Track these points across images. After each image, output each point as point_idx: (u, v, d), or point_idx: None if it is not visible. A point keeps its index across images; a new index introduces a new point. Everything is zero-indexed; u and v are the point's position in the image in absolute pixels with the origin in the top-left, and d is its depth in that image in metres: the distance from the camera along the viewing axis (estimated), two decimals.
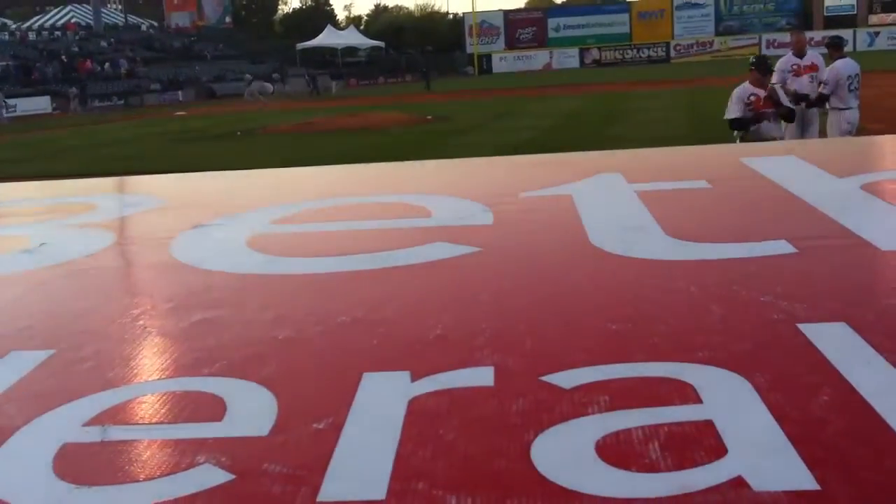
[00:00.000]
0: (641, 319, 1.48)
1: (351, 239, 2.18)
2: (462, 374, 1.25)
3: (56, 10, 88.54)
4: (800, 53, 10.87)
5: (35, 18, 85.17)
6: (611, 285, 1.71)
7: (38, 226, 2.49)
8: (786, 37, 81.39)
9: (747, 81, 9.14)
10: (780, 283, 1.60)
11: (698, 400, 1.13)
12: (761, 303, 1.50)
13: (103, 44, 68.16)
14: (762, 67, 9.42)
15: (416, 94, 44.82)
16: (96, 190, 3.30)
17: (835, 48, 10.90)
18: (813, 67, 10.64)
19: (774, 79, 10.37)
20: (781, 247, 1.79)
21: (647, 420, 1.08)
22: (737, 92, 9.09)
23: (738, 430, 1.04)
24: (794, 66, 10.78)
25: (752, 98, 8.97)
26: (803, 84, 10.47)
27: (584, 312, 1.56)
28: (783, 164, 2.69)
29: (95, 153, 22.95)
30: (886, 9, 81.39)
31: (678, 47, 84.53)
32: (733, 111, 9.04)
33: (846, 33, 78.26)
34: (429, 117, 28.09)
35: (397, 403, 1.16)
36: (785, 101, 9.11)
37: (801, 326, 1.35)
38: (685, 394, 1.14)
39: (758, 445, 1.02)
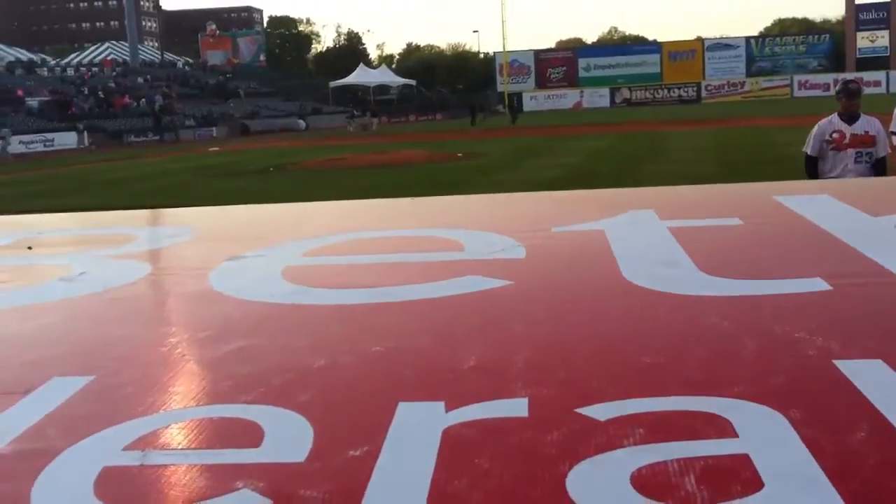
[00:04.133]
0: (675, 353, 1.48)
1: (383, 271, 2.20)
2: (496, 404, 1.26)
3: (94, 47, 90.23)
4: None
5: (73, 55, 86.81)
6: (644, 319, 1.71)
7: (77, 255, 2.53)
8: (818, 78, 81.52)
9: (834, 113, 7.74)
10: (814, 320, 1.60)
11: (734, 434, 1.12)
12: (796, 339, 1.49)
13: (140, 80, 69.19)
14: (847, 91, 7.74)
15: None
16: (133, 222, 3.35)
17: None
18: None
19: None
20: (816, 284, 1.78)
21: (682, 453, 1.07)
22: (818, 126, 7.77)
23: (775, 465, 1.04)
24: None
25: (835, 135, 7.57)
26: None
27: (618, 346, 1.56)
28: (817, 203, 2.69)
29: (130, 187, 23.24)
30: None
31: (709, 87, 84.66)
32: (809, 146, 7.78)
33: (879, 75, 78.15)
34: (459, 154, 28.23)
35: (432, 433, 1.17)
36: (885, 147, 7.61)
37: (836, 363, 1.34)
38: (721, 428, 1.14)
39: (795, 480, 1.01)
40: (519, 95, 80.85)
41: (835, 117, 7.73)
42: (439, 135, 43.45)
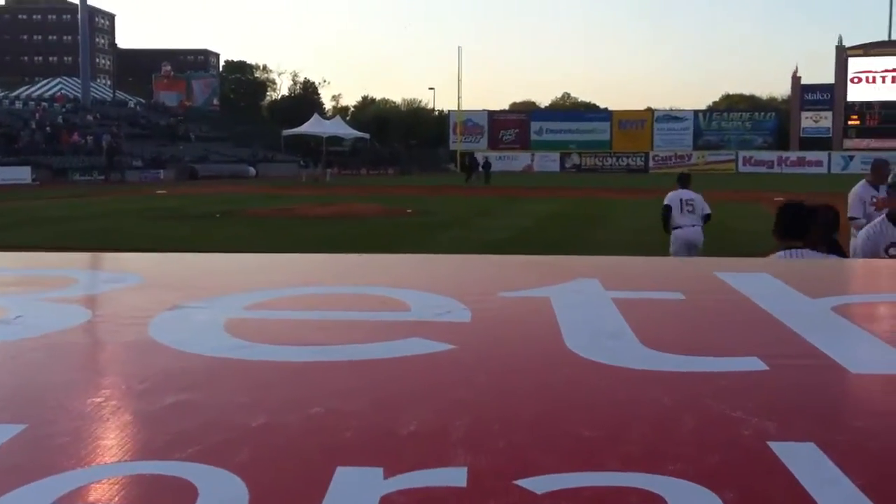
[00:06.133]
0: (614, 427, 1.49)
1: (327, 329, 2.19)
2: (435, 473, 1.25)
3: (45, 82, 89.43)
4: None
5: (23, 88, 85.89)
6: (585, 391, 1.73)
7: (14, 297, 2.48)
8: (762, 155, 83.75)
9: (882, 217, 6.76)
10: (751, 400, 1.63)
11: None
12: (732, 418, 1.51)
13: (89, 117, 68.56)
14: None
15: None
16: (75, 264, 3.30)
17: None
18: None
19: (854, 211, 9.22)
20: (753, 363, 1.81)
21: None
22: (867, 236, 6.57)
23: None
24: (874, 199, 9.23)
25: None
26: None
27: (559, 417, 1.57)
28: (756, 281, 2.74)
29: (73, 226, 22.90)
30: (860, 134, 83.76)
31: (657, 158, 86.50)
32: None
33: (822, 155, 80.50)
34: (408, 210, 28.32)
35: (369, 500, 1.16)
36: None
37: (770, 444, 1.36)
38: None
39: None
40: (471, 154, 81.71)
41: (884, 223, 6.39)
42: (394, 189, 43.59)
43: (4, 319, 2.16)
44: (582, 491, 1.20)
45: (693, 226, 11.94)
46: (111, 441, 1.41)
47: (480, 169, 59.22)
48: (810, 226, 5.29)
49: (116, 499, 1.18)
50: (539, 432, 1.48)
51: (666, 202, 12.33)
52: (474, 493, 1.19)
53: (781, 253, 5.22)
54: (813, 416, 1.58)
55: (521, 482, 1.21)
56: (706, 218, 12.17)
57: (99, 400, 1.61)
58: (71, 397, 1.64)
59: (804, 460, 1.30)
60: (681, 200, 12.23)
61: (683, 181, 12.87)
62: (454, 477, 1.24)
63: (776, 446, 1.35)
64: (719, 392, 1.67)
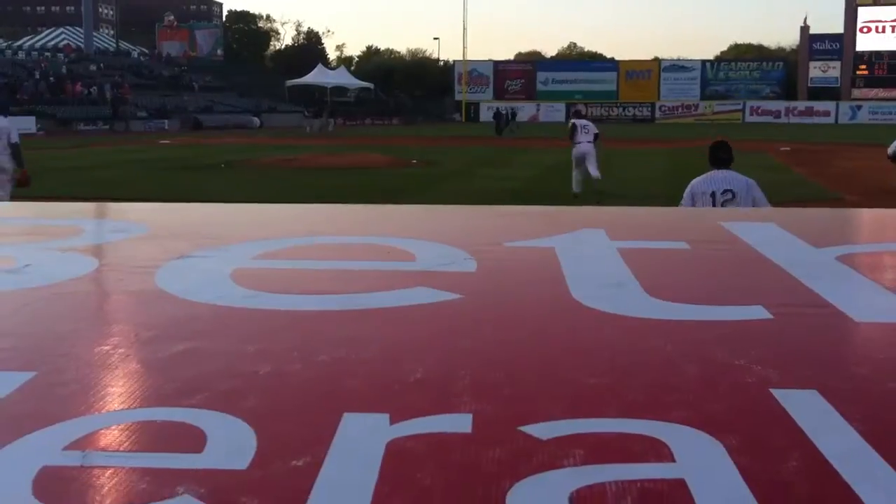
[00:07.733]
0: (618, 375, 1.50)
1: (333, 278, 2.21)
2: (441, 419, 1.27)
3: (48, 32, 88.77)
4: None
5: (26, 38, 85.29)
6: (589, 340, 1.74)
7: (22, 247, 2.49)
8: (769, 104, 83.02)
9: None
10: (754, 348, 1.64)
11: (672, 459, 1.15)
12: (735, 366, 1.52)
13: (92, 67, 68.16)
14: None
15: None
16: (82, 214, 3.31)
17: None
18: None
19: None
20: (757, 312, 1.82)
21: (621, 475, 1.09)
22: None
23: (710, 491, 1.06)
24: None
25: None
26: None
27: (563, 365, 1.58)
28: (762, 231, 2.75)
29: (77, 176, 22.88)
30: (869, 84, 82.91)
31: (663, 108, 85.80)
32: None
33: (829, 105, 79.72)
34: (413, 161, 28.21)
35: (376, 445, 1.17)
36: None
37: (773, 391, 1.37)
38: (659, 452, 1.17)
39: None
40: (476, 105, 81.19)
41: None
42: (399, 139, 43.40)
43: (13, 268, 2.18)
44: (586, 437, 1.22)
45: (588, 142, 18.21)
46: (120, 388, 1.43)
47: (493, 119, 57.52)
48: (731, 156, 7.63)
49: (126, 444, 1.20)
50: (544, 380, 1.49)
51: (572, 121, 19.55)
52: (479, 439, 1.21)
53: (714, 171, 7.49)
54: (816, 364, 1.59)
55: (525, 428, 1.22)
56: (595, 136, 18.45)
57: (107, 348, 1.63)
58: (79, 345, 1.66)
59: (806, 407, 1.32)
60: (580, 126, 18.66)
61: (577, 114, 21.13)
62: (460, 423, 1.25)
63: (779, 393, 1.36)
64: (723, 340, 1.68)
